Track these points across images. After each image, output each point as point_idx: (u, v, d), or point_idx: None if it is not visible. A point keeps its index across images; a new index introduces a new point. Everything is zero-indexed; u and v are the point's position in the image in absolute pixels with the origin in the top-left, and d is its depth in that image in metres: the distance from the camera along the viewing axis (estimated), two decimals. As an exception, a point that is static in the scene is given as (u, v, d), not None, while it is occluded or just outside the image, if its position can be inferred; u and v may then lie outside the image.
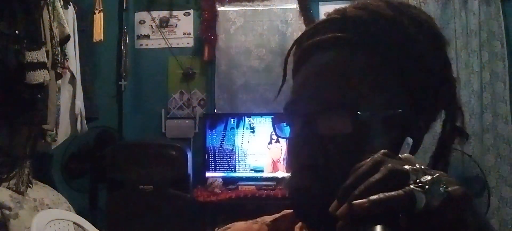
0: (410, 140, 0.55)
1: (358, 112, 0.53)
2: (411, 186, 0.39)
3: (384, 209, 0.38)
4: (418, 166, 0.41)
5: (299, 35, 0.65)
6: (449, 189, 0.39)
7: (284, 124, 0.62)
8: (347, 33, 0.58)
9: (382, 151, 0.43)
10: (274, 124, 0.63)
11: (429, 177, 0.39)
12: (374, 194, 0.38)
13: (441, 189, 0.39)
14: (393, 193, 0.38)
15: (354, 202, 0.39)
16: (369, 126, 0.54)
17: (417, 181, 0.39)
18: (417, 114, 0.58)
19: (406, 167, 0.41)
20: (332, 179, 0.49)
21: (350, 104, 0.54)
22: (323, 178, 0.53)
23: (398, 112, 0.56)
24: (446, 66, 0.61)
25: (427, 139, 0.61)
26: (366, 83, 0.56)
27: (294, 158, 0.58)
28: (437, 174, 0.40)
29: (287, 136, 0.61)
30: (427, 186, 0.39)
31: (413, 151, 0.57)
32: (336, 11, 0.61)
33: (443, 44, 0.61)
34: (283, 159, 3.30)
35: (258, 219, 0.69)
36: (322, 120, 0.55)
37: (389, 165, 0.41)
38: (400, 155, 0.44)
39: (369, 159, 0.42)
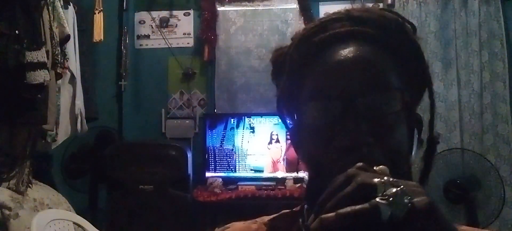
0: (416, 132, 0.62)
1: (401, 96, 0.57)
2: (377, 199, 0.41)
3: (351, 221, 0.40)
4: (386, 179, 0.43)
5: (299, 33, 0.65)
6: (414, 200, 0.41)
7: (315, 111, 0.59)
8: (359, 27, 0.60)
9: (358, 164, 0.46)
10: (281, 114, 0.65)
11: (394, 189, 0.41)
12: (344, 207, 0.41)
13: (405, 200, 0.41)
14: (359, 206, 0.40)
15: (323, 216, 0.41)
16: (407, 111, 0.58)
17: (384, 193, 0.41)
18: (416, 103, 0.64)
19: (375, 180, 0.43)
20: (375, 160, 0.50)
21: (392, 88, 0.57)
22: (369, 159, 0.52)
23: (414, 102, 0.62)
24: (424, 63, 0.64)
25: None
26: (392, 73, 0.59)
27: (335, 140, 0.56)
28: (402, 186, 0.42)
29: (311, 122, 0.59)
30: (391, 199, 0.41)
31: (418, 141, 0.62)
32: (340, 12, 0.63)
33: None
34: (283, 159, 3.30)
35: (257, 219, 0.69)
36: (366, 100, 0.56)
37: (359, 178, 0.43)
38: (375, 168, 0.46)
39: (342, 174, 0.45)
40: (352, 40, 0.60)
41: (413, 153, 0.61)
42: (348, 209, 0.40)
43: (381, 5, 3.26)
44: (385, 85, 0.57)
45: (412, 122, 0.60)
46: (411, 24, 0.64)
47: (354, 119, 0.55)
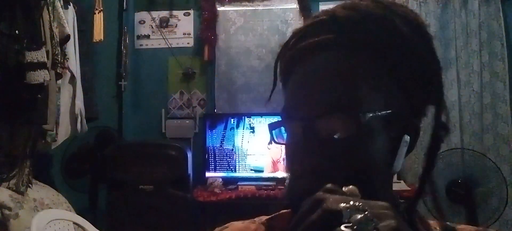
0: (407, 138, 0.57)
1: (361, 114, 0.53)
2: (342, 227, 0.41)
3: None
4: (352, 203, 0.42)
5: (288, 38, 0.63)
6: (379, 226, 0.41)
7: (282, 129, 0.61)
8: (340, 34, 0.57)
9: (327, 186, 0.45)
10: (271, 129, 0.62)
11: (359, 216, 0.41)
12: None
13: (369, 227, 0.41)
14: None
15: None
16: (371, 126, 0.54)
17: (349, 220, 0.41)
18: (411, 111, 0.59)
19: (341, 205, 0.42)
20: (337, 182, 0.49)
21: (352, 106, 0.54)
22: (327, 181, 0.53)
23: (396, 111, 0.56)
24: (435, 62, 0.60)
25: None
26: (364, 84, 0.55)
27: (295, 162, 0.57)
28: (367, 212, 0.41)
29: (285, 141, 0.60)
30: (355, 226, 0.40)
31: (412, 146, 0.58)
32: (325, 13, 0.60)
33: (431, 41, 0.61)
34: (283, 159, 3.30)
35: (255, 219, 0.69)
36: (324, 123, 0.54)
37: (324, 205, 0.43)
38: (344, 189, 0.46)
39: (310, 197, 0.44)
40: (326, 50, 0.57)
41: (396, 161, 0.57)
42: None
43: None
44: (347, 103, 0.54)
45: (400, 130, 0.57)
46: (407, 16, 0.59)
47: (311, 141, 0.54)
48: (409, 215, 0.59)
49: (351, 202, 0.42)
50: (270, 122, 0.63)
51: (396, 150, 0.57)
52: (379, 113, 0.54)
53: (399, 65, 0.57)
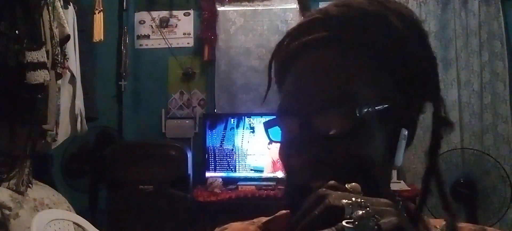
0: (405, 132, 0.58)
1: (357, 109, 0.54)
2: (344, 222, 0.41)
3: None
4: (354, 200, 0.43)
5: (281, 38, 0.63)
6: (381, 222, 0.41)
7: (277, 127, 0.61)
8: (335, 31, 0.57)
9: (329, 182, 0.46)
10: (266, 128, 0.62)
11: (361, 212, 0.41)
12: (313, 230, 0.41)
13: (371, 223, 0.41)
14: (326, 229, 0.41)
15: None
16: (367, 121, 0.54)
17: (351, 216, 0.42)
18: (408, 106, 0.59)
19: (343, 201, 0.42)
20: (335, 177, 0.49)
21: (349, 102, 0.54)
22: (325, 177, 0.52)
23: (392, 106, 0.56)
24: (431, 58, 0.61)
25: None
26: (360, 80, 0.56)
27: (292, 158, 0.57)
28: (368, 208, 0.42)
29: (281, 139, 0.60)
30: (357, 222, 0.41)
31: (409, 140, 0.59)
32: (318, 11, 0.60)
33: (426, 36, 0.61)
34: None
35: (254, 220, 0.69)
36: (321, 118, 0.55)
37: (327, 200, 0.43)
38: (346, 186, 0.46)
39: (312, 193, 0.45)
40: (321, 47, 0.57)
41: (396, 155, 0.58)
42: None
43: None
44: (344, 98, 0.54)
45: (395, 123, 0.57)
46: (401, 12, 0.59)
47: (309, 137, 0.54)
48: (414, 214, 0.60)
49: (353, 199, 0.43)
50: (265, 121, 0.63)
51: (395, 145, 0.58)
52: (375, 108, 0.55)
53: (394, 61, 0.57)
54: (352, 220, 0.41)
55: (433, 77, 0.60)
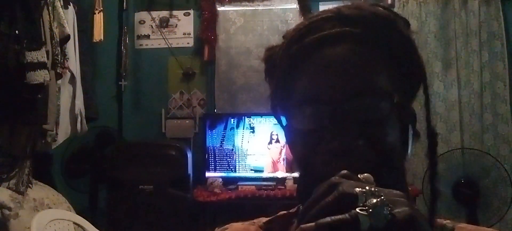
0: (411, 128, 0.62)
1: (389, 99, 0.57)
2: (357, 210, 0.41)
3: None
4: (367, 188, 0.43)
5: (286, 33, 0.65)
6: (394, 211, 0.41)
7: (303, 115, 0.60)
8: (351, 28, 0.59)
9: (342, 172, 0.46)
10: (285, 116, 0.63)
11: (375, 200, 0.41)
12: (325, 216, 0.41)
13: (385, 211, 0.41)
14: (339, 216, 0.40)
15: (302, 225, 0.41)
16: (392, 112, 0.57)
17: (364, 204, 0.41)
18: (410, 100, 0.64)
19: (357, 189, 0.42)
20: (363, 165, 0.50)
21: (379, 92, 0.57)
22: (355, 164, 0.53)
23: (405, 102, 0.61)
24: (421, 61, 0.64)
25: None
26: (382, 74, 0.59)
27: (320, 146, 0.56)
28: (383, 197, 0.42)
29: (303, 127, 0.59)
30: (371, 209, 0.41)
31: (413, 137, 0.62)
32: (329, 11, 0.62)
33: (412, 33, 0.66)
34: (283, 159, 3.30)
35: (254, 220, 0.69)
36: (356, 106, 0.56)
37: (340, 188, 0.43)
38: (359, 176, 0.46)
39: (325, 182, 0.45)
40: (341, 42, 0.59)
41: (409, 149, 0.61)
42: (328, 219, 0.40)
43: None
44: (373, 88, 0.57)
45: (406, 118, 0.61)
46: (404, 19, 0.63)
47: (342, 122, 0.55)
48: (429, 216, 0.61)
49: (367, 187, 0.43)
50: (287, 106, 0.63)
51: (406, 139, 0.61)
52: (398, 100, 0.58)
53: (401, 58, 0.61)
54: (366, 207, 0.41)
55: (424, 78, 0.64)
